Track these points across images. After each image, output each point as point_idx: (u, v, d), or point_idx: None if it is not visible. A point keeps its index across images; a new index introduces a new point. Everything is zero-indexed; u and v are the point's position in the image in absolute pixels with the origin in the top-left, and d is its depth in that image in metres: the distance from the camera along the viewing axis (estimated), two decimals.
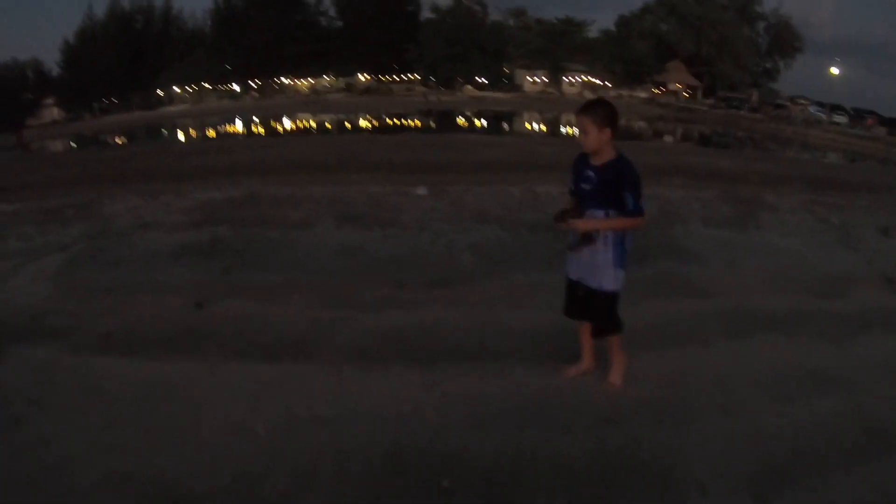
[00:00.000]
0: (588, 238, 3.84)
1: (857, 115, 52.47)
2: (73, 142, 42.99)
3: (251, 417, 3.84)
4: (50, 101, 69.33)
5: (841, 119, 52.46)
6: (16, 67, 69.21)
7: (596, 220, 3.81)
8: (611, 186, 3.73)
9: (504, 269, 6.49)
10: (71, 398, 4.13)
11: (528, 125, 44.43)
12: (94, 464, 3.41)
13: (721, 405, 4.01)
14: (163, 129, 45.75)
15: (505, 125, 43.52)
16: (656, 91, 70.83)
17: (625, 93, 70.80)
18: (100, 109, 68.25)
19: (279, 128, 42.50)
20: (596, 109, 3.76)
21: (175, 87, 72.07)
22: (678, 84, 70.81)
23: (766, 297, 5.86)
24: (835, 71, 58.17)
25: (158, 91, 71.07)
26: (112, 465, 3.39)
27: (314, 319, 5.21)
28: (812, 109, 57.48)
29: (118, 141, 39.64)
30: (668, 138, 38.40)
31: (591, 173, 3.82)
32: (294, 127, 43.52)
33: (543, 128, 40.74)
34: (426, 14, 75.69)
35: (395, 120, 44.24)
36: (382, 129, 38.03)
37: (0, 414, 3.95)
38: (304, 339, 4.88)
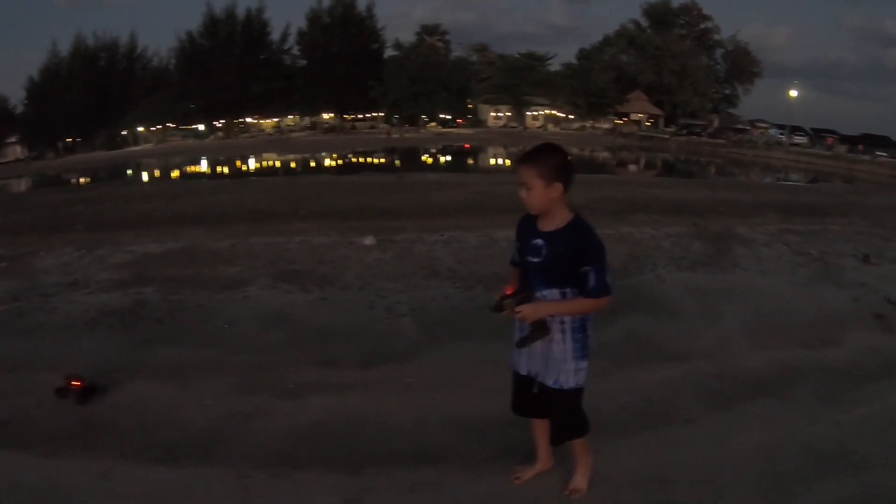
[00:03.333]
0: (541, 328, 2.99)
1: (817, 136, 54.26)
2: (31, 182, 41.82)
3: None
4: (13, 139, 67.59)
5: (801, 140, 54.15)
6: None
7: (549, 304, 3.00)
8: (567, 259, 2.92)
9: (451, 339, 5.77)
10: None
11: (491, 161, 44.28)
12: None
13: None
14: (124, 170, 44.89)
15: (468, 161, 43.36)
16: (619, 121, 71.73)
17: (588, 124, 71.80)
18: (63, 148, 67.03)
19: (242, 167, 41.90)
20: (541, 158, 2.93)
21: (139, 127, 71.06)
22: (640, 114, 72.00)
23: (751, 353, 5.30)
24: (793, 94, 58.98)
25: (123, 130, 70.06)
26: None
27: (226, 410, 4.53)
28: (773, 132, 59.15)
29: (78, 181, 38.68)
30: (631, 167, 38.51)
31: (539, 242, 3.00)
32: (256, 167, 42.91)
33: (507, 163, 40.53)
34: (390, 52, 75.90)
35: (357, 158, 43.85)
36: (344, 168, 37.65)
37: None
38: (212, 437, 4.20)
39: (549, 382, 3.14)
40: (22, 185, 40.32)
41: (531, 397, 3.27)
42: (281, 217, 12.78)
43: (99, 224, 13.70)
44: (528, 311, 2.96)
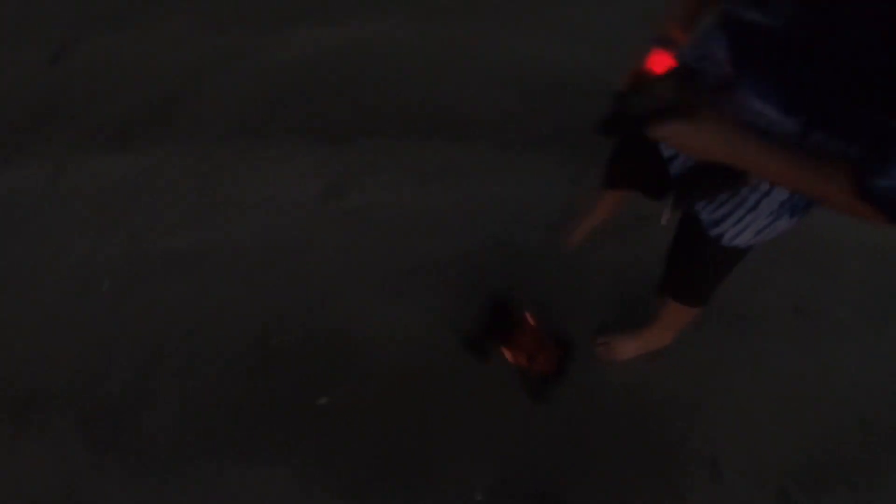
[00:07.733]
0: (726, 177, 1.11)
1: None
2: None
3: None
4: None
5: None
6: None
7: (748, 143, 0.97)
8: (858, 53, 0.83)
9: None
10: None
11: None
12: None
13: None
14: None
15: None
16: None
17: None
18: None
19: None
20: None
21: None
22: None
23: None
24: None
25: None
26: None
27: (196, 54, 3.39)
28: None
29: None
30: None
31: None
32: None
33: None
34: None
35: None
36: None
37: None
38: (169, 100, 3.17)
39: (711, 229, 1.44)
40: None
41: (652, 173, 1.53)
42: None
43: None
44: (686, 135, 1.01)
